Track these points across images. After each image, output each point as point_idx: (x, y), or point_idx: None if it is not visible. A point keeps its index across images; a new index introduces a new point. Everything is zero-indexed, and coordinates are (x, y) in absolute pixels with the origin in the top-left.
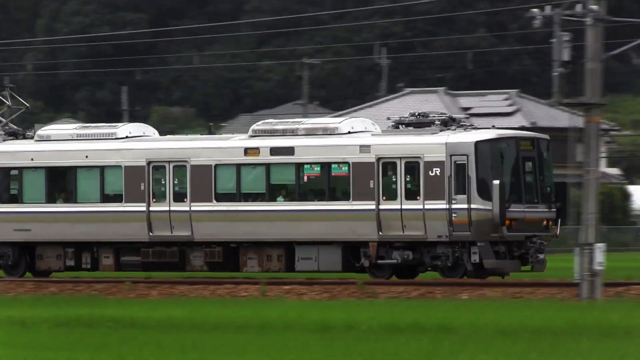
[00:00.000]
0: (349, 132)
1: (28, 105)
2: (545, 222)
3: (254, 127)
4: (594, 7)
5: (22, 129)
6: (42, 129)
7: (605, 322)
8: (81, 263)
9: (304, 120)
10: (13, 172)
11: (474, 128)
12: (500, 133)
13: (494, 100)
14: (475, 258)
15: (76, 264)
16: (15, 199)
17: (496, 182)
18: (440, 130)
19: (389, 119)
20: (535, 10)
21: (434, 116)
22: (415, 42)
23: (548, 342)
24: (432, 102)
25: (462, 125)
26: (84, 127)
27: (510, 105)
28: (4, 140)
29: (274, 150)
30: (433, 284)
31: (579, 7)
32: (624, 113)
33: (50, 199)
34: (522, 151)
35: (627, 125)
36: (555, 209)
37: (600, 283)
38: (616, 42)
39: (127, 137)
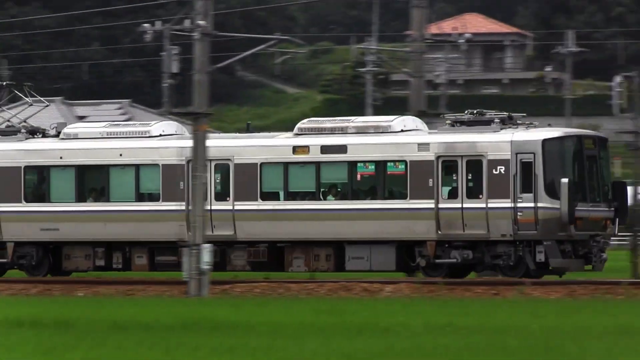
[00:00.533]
0: (402, 130)
1: (48, 102)
2: (604, 222)
3: (300, 125)
4: (201, 22)
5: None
6: (68, 126)
7: (213, 317)
8: (112, 263)
9: (353, 118)
10: (41, 171)
11: (533, 126)
12: (567, 131)
13: (108, 110)
14: (540, 257)
15: (106, 264)
16: (43, 198)
17: (565, 180)
18: (501, 129)
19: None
20: (146, 25)
21: (491, 114)
22: (33, 55)
23: (159, 337)
24: (49, 111)
25: (520, 124)
26: (114, 124)
27: (122, 114)
28: (26, 139)
29: (325, 149)
30: (52, 282)
31: (187, 23)
32: (230, 122)
33: (81, 197)
34: (586, 150)
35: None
36: (613, 208)
37: (208, 281)
38: (222, 55)
39: (160, 135)
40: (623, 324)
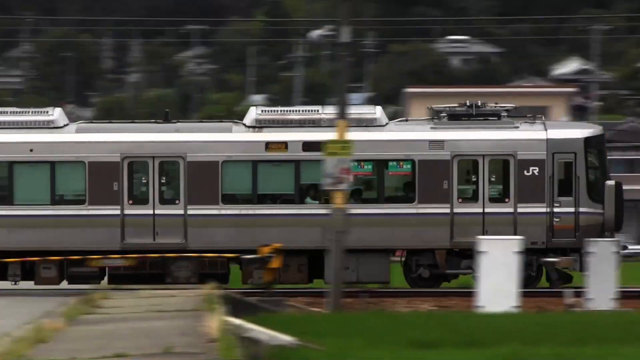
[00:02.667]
0: (387, 124)
1: None
2: None
3: (257, 116)
4: None
5: None
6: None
7: None
8: (6, 275)
9: (320, 108)
10: None
11: (542, 122)
12: (600, 128)
13: None
14: (577, 266)
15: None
16: None
17: (611, 183)
18: (516, 124)
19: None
20: None
21: (497, 107)
22: None
23: None
24: None
25: (532, 119)
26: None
27: None
28: None
29: (306, 145)
30: None
31: None
32: None
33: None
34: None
35: None
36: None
37: None
38: None
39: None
40: None
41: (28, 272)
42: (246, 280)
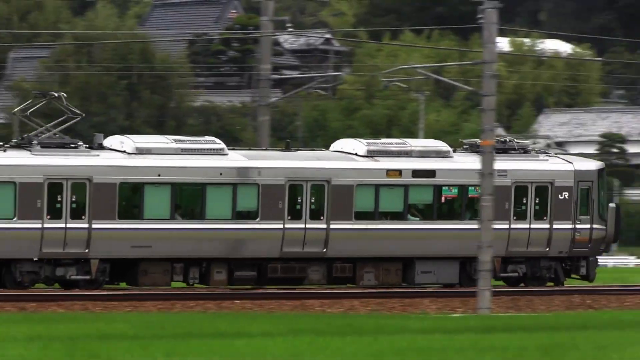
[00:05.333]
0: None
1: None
2: None
3: (369, 147)
4: None
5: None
6: (138, 142)
7: None
8: (188, 278)
9: (408, 141)
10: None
11: (548, 155)
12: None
13: None
14: (583, 270)
15: (184, 279)
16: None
17: (613, 205)
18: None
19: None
20: None
21: (524, 143)
22: None
23: None
24: None
25: (543, 152)
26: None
27: None
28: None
29: (415, 173)
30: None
31: None
32: None
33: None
34: None
35: None
36: None
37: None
38: None
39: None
40: None
41: (203, 276)
42: (359, 282)
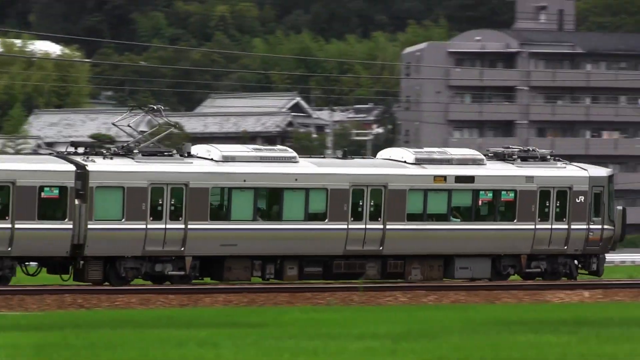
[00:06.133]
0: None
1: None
2: None
3: (417, 155)
4: None
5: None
6: (224, 151)
7: None
8: (264, 274)
9: (447, 150)
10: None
11: (563, 163)
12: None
13: None
14: (594, 266)
15: (262, 275)
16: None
17: (620, 207)
18: (564, 165)
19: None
20: None
21: (544, 152)
22: None
23: None
24: None
25: (558, 160)
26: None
27: None
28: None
29: (457, 179)
30: None
31: None
32: None
33: (256, 217)
34: None
35: None
36: None
37: None
38: None
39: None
40: None
41: (277, 272)
42: (407, 277)
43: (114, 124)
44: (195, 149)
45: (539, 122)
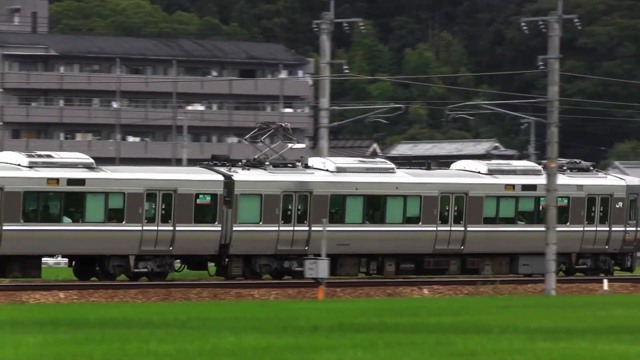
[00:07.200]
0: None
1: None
2: None
3: (490, 167)
4: None
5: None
6: (336, 162)
7: None
8: (369, 270)
9: (512, 162)
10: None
11: (605, 173)
12: None
13: None
14: (628, 263)
15: (366, 271)
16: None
17: None
18: (605, 175)
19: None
20: None
21: (584, 162)
22: None
23: None
24: None
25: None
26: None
27: None
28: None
29: (523, 187)
30: None
31: None
32: None
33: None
34: None
35: None
36: None
37: None
38: None
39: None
40: None
41: (379, 268)
42: (480, 272)
43: (245, 139)
44: (311, 161)
45: (13, 124)
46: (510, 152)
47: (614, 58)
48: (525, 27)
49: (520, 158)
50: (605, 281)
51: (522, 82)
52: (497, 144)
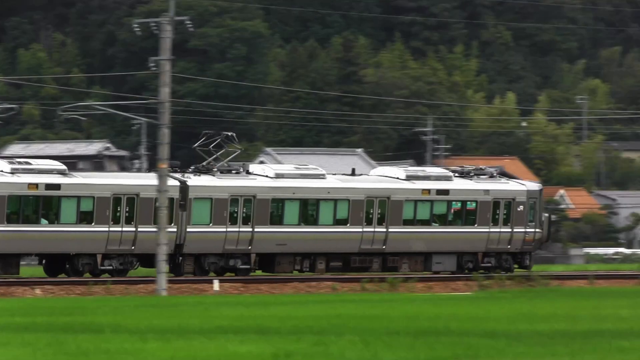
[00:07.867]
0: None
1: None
2: None
3: (407, 172)
4: None
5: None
6: (275, 169)
7: None
8: (302, 268)
9: (427, 169)
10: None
11: (505, 179)
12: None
13: None
14: (527, 262)
15: (300, 269)
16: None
17: (546, 214)
18: (507, 180)
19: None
20: None
21: (489, 169)
22: None
23: None
24: None
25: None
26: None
27: None
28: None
29: (437, 191)
30: None
31: None
32: None
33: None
34: None
35: None
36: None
37: None
38: None
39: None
40: None
41: (312, 266)
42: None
43: (193, 148)
44: (252, 167)
45: None
46: (122, 152)
47: (225, 60)
48: (137, 29)
49: (132, 159)
50: (216, 281)
51: (134, 83)
52: (109, 145)
